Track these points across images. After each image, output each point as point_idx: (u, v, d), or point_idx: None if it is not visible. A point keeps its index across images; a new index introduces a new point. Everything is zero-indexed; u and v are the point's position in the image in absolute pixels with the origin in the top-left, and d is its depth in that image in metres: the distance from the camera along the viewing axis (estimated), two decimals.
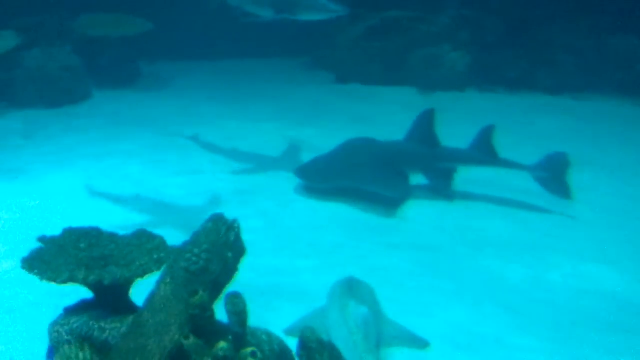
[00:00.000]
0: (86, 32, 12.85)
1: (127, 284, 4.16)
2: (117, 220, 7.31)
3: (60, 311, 4.29)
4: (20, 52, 12.07)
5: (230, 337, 3.71)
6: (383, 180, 7.98)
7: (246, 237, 4.07)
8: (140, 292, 4.12)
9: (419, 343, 5.26)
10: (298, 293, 6.05)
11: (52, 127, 10.97)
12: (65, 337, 4.07)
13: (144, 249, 4.24)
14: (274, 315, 5.48)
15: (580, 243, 7.09)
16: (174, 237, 4.44)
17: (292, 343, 3.95)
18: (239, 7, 9.64)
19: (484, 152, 8.04)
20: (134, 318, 3.86)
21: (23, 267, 4.17)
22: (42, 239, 4.37)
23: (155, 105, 12.11)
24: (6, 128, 10.92)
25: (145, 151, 9.81)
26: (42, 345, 4.47)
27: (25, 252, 4.27)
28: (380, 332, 5.19)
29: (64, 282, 4.07)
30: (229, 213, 4.09)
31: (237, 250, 4.00)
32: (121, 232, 4.45)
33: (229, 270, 3.96)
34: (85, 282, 4.08)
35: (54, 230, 4.52)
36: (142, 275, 4.12)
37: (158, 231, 4.41)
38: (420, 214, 7.79)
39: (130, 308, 4.17)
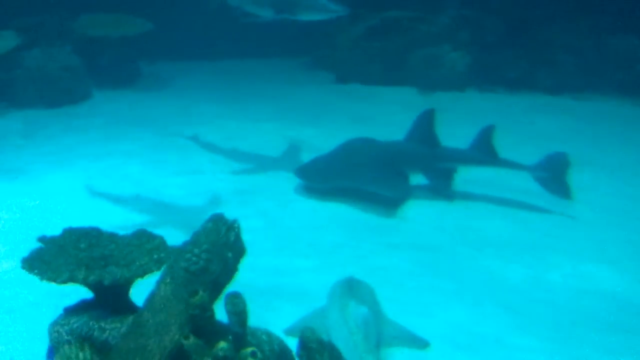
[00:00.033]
0: (86, 32, 12.85)
1: (127, 284, 4.16)
2: (117, 220, 7.31)
3: (60, 311, 4.29)
4: (20, 52, 12.07)
5: (230, 337, 3.71)
6: (383, 180, 7.98)
7: (246, 237, 4.07)
8: (140, 292, 4.12)
9: (419, 343, 5.26)
10: (298, 293, 6.05)
11: (52, 127, 10.97)
12: (65, 337, 4.07)
13: (144, 249, 4.24)
14: (274, 315, 5.48)
15: (580, 243, 7.09)
16: (174, 237, 4.44)
17: (292, 343, 3.96)
18: (239, 7, 9.64)
19: (483, 152, 8.04)
20: (134, 318, 3.86)
21: (23, 267, 4.17)
22: (42, 239, 4.37)
23: (155, 105, 12.10)
24: (6, 128, 10.92)
25: (145, 151, 9.80)
26: (42, 345, 4.47)
27: (25, 252, 4.27)
28: (380, 332, 5.19)
29: (64, 282, 4.08)
30: (229, 213, 4.09)
31: (237, 250, 4.00)
32: (121, 232, 4.45)
33: (229, 270, 3.97)
34: (85, 282, 4.08)
35: (54, 230, 4.52)
36: (142, 275, 4.12)
37: (158, 231, 4.41)
38: (420, 214, 7.79)
39: (130, 308, 4.17)
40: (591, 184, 8.47)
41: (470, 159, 8.15)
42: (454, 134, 8.56)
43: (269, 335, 3.99)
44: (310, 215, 7.79)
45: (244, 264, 4.05)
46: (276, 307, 5.74)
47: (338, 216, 7.75)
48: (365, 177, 8.04)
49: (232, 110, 11.71)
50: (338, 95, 12.68)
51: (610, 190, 8.41)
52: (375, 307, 5.38)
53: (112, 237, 4.36)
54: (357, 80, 13.24)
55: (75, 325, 4.08)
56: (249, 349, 3.66)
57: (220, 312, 3.79)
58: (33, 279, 4.12)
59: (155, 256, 4.17)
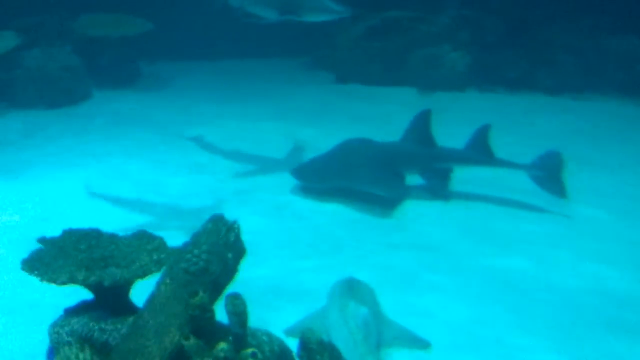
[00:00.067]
0: (86, 32, 12.84)
1: (127, 285, 4.17)
2: (117, 220, 7.30)
3: (60, 312, 4.29)
4: (20, 52, 12.05)
5: (230, 338, 3.71)
6: (379, 181, 7.97)
7: (246, 237, 4.07)
8: (140, 293, 4.12)
9: (420, 343, 5.26)
10: (298, 293, 6.05)
11: (52, 127, 10.96)
12: (66, 338, 4.08)
13: (143, 249, 4.24)
14: (274, 316, 5.47)
15: (580, 242, 7.09)
16: (174, 237, 4.45)
17: (293, 344, 3.96)
18: (240, 8, 9.61)
19: (480, 151, 8.05)
20: (134, 319, 3.87)
21: (23, 269, 4.18)
22: (42, 240, 4.38)
23: (155, 105, 12.10)
24: (6, 128, 10.91)
25: (145, 151, 9.80)
26: (42, 346, 4.47)
27: (25, 253, 4.27)
28: (380, 333, 5.19)
29: (64, 283, 4.08)
30: (229, 213, 4.09)
31: (237, 250, 4.00)
32: (121, 233, 4.46)
33: (229, 271, 3.97)
34: (85, 283, 4.09)
35: (54, 231, 4.52)
36: (142, 276, 4.13)
37: (158, 232, 4.42)
38: (420, 214, 7.79)
39: (131, 309, 4.17)
40: (591, 183, 8.47)
41: (466, 158, 8.16)
42: (454, 133, 8.56)
43: (270, 335, 3.99)
44: (310, 215, 7.79)
45: (244, 264, 4.05)
46: (276, 308, 5.74)
47: (338, 216, 7.75)
48: (361, 178, 8.04)
49: (232, 110, 11.71)
50: (338, 95, 12.67)
51: (611, 190, 8.41)
52: (376, 307, 5.38)
53: (112, 238, 4.37)
54: (357, 80, 13.23)
55: (75, 326, 4.08)
56: (250, 350, 3.66)
57: (221, 313, 3.79)
58: (33, 280, 4.12)
59: (155, 257, 4.18)
